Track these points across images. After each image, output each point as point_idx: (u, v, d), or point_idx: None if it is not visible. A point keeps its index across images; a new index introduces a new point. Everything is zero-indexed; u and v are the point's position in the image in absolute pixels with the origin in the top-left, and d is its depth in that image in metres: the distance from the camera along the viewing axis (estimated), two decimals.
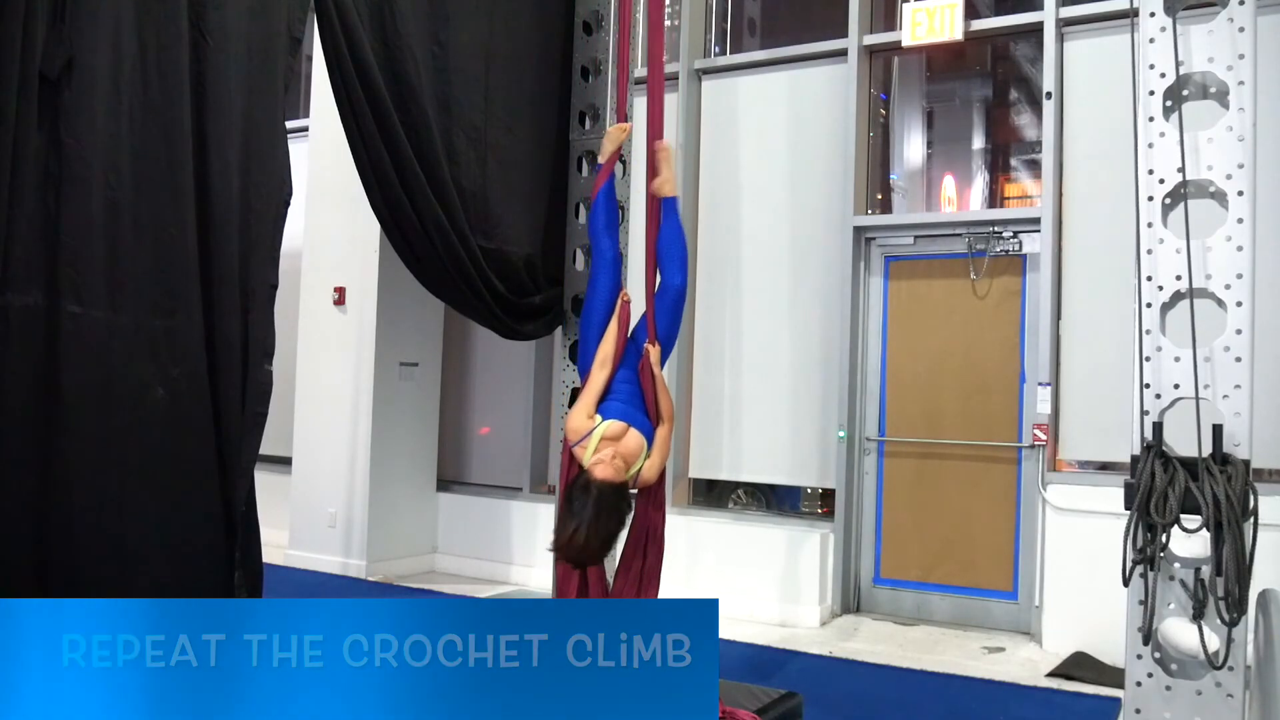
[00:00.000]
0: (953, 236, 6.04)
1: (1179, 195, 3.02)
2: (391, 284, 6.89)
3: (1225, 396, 2.90)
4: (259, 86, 4.34)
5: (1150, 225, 3.04)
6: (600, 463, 3.58)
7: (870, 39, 6.22)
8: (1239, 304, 2.93)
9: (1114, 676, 4.55)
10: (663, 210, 4.06)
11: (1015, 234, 5.85)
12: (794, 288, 6.33)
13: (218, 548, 4.23)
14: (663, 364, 3.97)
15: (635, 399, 3.86)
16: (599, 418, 3.72)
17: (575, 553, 3.50)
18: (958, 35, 5.85)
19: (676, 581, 6.18)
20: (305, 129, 7.38)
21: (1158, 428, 2.92)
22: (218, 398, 4.23)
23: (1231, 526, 2.71)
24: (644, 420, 3.82)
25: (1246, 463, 2.83)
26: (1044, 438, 5.50)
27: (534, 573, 6.80)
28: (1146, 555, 2.81)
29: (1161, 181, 3.04)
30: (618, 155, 4.00)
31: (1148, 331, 2.99)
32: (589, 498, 3.47)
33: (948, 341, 6.03)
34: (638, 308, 4.03)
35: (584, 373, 3.94)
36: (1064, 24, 5.63)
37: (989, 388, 5.88)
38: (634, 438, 3.71)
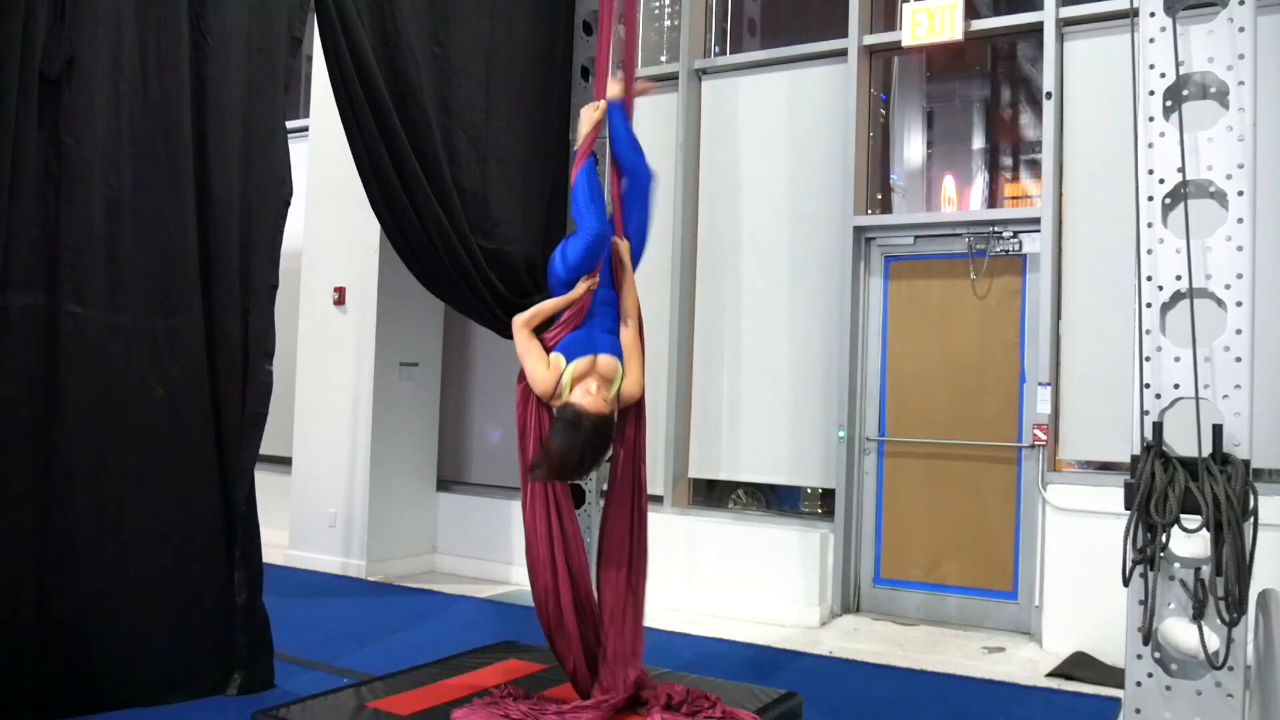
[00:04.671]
0: (953, 236, 6.04)
1: (1179, 195, 3.02)
2: (391, 284, 6.89)
3: (1225, 396, 2.90)
4: (259, 86, 4.34)
5: (1150, 225, 3.03)
6: (586, 395, 3.53)
7: (870, 39, 6.22)
8: (1239, 304, 2.92)
9: (1114, 676, 4.55)
10: (613, 108, 4.04)
11: (1015, 234, 5.85)
12: (794, 288, 6.33)
13: (218, 548, 4.24)
14: (635, 264, 3.89)
15: (609, 319, 3.77)
16: (561, 359, 3.59)
17: (553, 475, 3.50)
18: (958, 35, 5.85)
19: (677, 582, 6.19)
20: (305, 129, 7.38)
21: (1158, 428, 2.92)
22: (218, 398, 4.23)
23: (1231, 526, 2.71)
24: (614, 340, 3.74)
25: (1246, 463, 2.83)
26: (1044, 438, 5.50)
27: None
28: (1146, 555, 2.81)
29: (1161, 181, 3.04)
30: (595, 137, 3.91)
31: (1148, 331, 2.99)
32: (577, 430, 3.43)
33: (948, 341, 6.03)
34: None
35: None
36: (1064, 24, 5.63)
37: (989, 388, 5.88)
38: (605, 361, 3.64)
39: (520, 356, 3.64)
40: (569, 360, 3.58)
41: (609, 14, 4.23)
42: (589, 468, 3.57)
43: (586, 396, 3.52)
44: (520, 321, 3.66)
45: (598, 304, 3.77)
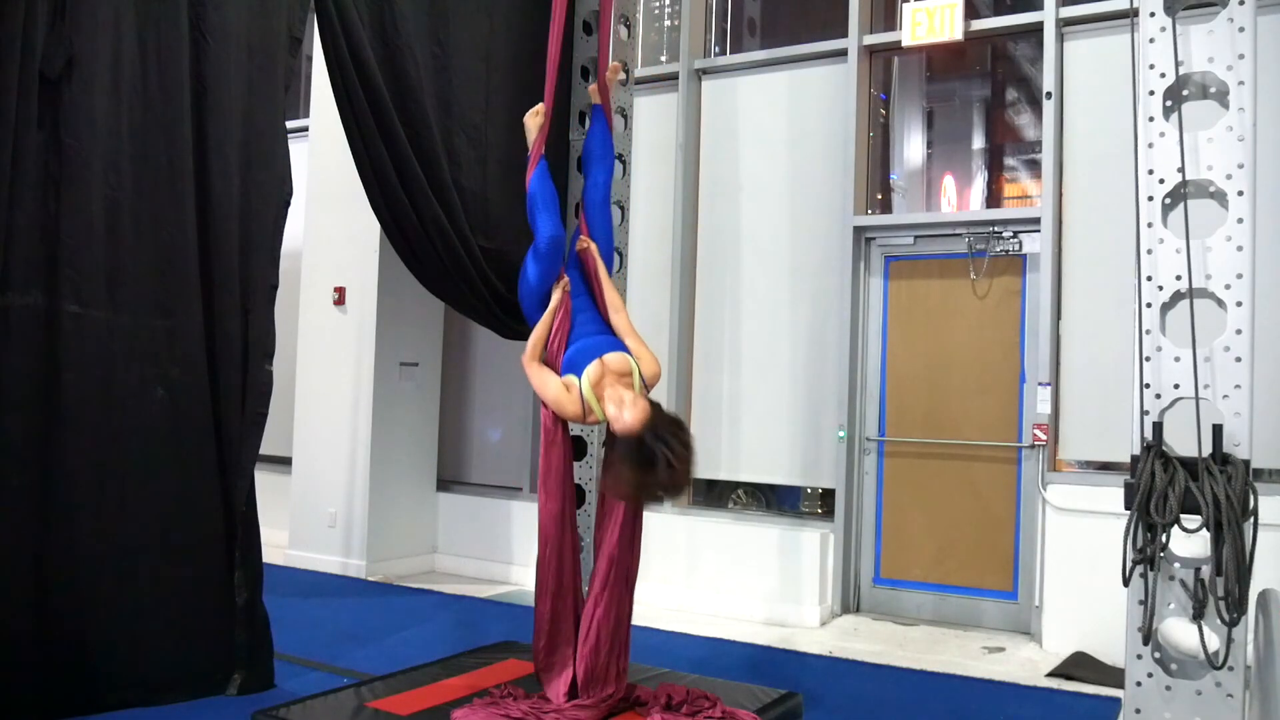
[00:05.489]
0: (953, 236, 6.04)
1: (1179, 195, 3.02)
2: (391, 284, 6.89)
3: (1225, 396, 2.90)
4: (259, 86, 4.34)
5: (1150, 225, 3.04)
6: (621, 412, 3.38)
7: (870, 39, 6.22)
8: (1239, 304, 2.93)
9: (1114, 676, 4.55)
10: (593, 116, 4.23)
11: (1015, 234, 5.85)
12: (794, 288, 6.33)
13: (218, 548, 4.24)
14: (607, 264, 3.94)
15: (593, 323, 3.79)
16: (573, 378, 3.56)
17: (670, 490, 3.38)
18: (958, 35, 5.85)
19: (676, 582, 6.19)
20: (305, 129, 7.38)
21: (1158, 428, 2.92)
22: (218, 398, 4.23)
23: (1231, 526, 2.71)
24: (609, 337, 3.73)
25: (1246, 463, 2.83)
26: (1044, 438, 5.50)
27: (533, 573, 6.78)
28: (1146, 555, 2.82)
29: (1161, 181, 3.04)
30: (542, 141, 3.95)
31: (1148, 331, 2.99)
32: (645, 452, 3.27)
33: (948, 341, 6.03)
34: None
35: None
36: (1064, 24, 5.63)
37: (989, 388, 5.88)
38: (613, 359, 3.58)
39: (538, 391, 3.65)
40: (579, 374, 3.56)
41: (560, 17, 4.26)
42: (688, 465, 3.36)
43: (624, 412, 3.38)
44: (527, 358, 3.69)
45: (577, 313, 3.81)
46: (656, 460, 3.26)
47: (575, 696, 3.65)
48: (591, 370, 3.54)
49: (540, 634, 3.73)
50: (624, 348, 3.68)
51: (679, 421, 3.44)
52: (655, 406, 3.46)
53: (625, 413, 3.38)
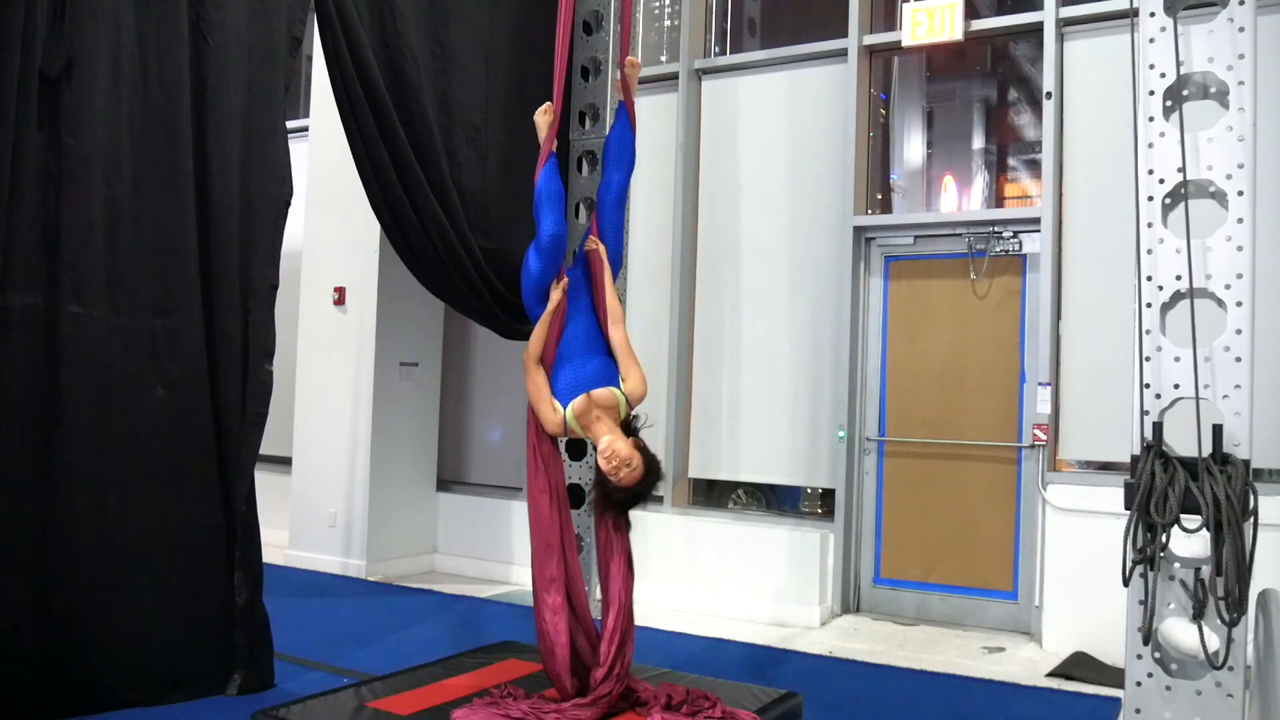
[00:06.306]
0: (953, 236, 6.04)
1: (1179, 195, 3.02)
2: (391, 284, 6.89)
3: (1225, 396, 2.90)
4: (259, 86, 4.34)
5: (1150, 225, 3.04)
6: (620, 470, 3.57)
7: (870, 39, 6.22)
8: (1239, 304, 2.93)
9: (1114, 676, 4.55)
10: (617, 114, 4.18)
11: (1015, 234, 5.85)
12: (794, 287, 6.33)
13: (218, 548, 4.24)
14: (614, 267, 3.94)
15: (592, 341, 3.81)
16: (559, 405, 3.67)
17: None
18: (958, 35, 5.85)
19: (676, 582, 6.19)
20: (305, 129, 7.38)
21: (1158, 428, 2.92)
22: (218, 398, 4.23)
23: (1231, 526, 2.71)
24: (601, 360, 3.76)
25: (1246, 463, 2.83)
26: (1044, 438, 5.50)
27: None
28: (1146, 555, 2.81)
29: (1161, 181, 3.04)
30: (552, 139, 3.95)
31: (1148, 331, 2.99)
32: (638, 496, 3.67)
33: (948, 341, 6.03)
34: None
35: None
36: (1064, 24, 5.63)
37: (989, 388, 5.88)
38: (600, 395, 3.66)
39: (530, 394, 3.75)
40: (565, 405, 3.66)
41: (568, 14, 4.19)
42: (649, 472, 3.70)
43: (620, 473, 3.57)
44: (528, 357, 3.75)
45: (572, 316, 3.81)
46: (633, 501, 3.71)
47: (584, 693, 3.65)
48: (577, 404, 3.66)
49: (542, 635, 3.72)
50: (614, 379, 3.71)
51: (655, 468, 3.72)
52: (646, 460, 3.65)
53: (622, 473, 3.59)
